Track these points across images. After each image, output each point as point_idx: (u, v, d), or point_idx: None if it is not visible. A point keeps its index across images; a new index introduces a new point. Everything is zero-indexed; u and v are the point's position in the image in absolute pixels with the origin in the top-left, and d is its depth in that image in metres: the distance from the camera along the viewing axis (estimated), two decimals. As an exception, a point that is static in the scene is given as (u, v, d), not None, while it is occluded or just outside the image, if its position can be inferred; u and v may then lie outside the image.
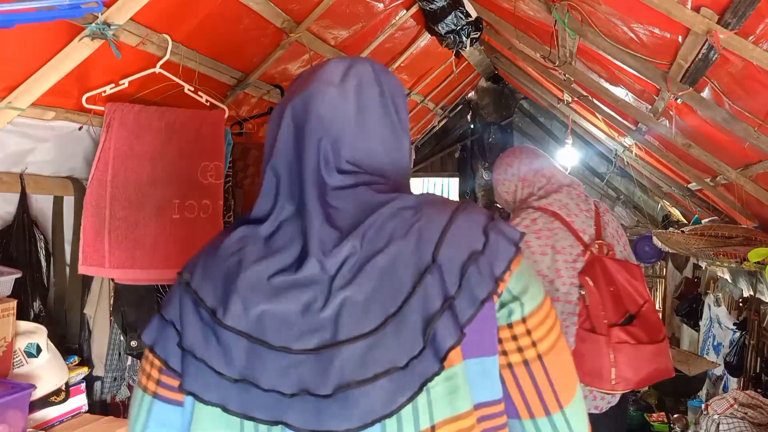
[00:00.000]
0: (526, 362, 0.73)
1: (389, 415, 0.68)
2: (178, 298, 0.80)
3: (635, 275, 2.01)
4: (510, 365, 0.73)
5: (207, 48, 2.28)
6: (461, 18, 2.99)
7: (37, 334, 1.82)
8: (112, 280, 2.16)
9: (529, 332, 0.73)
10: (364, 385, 0.68)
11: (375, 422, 0.68)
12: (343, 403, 0.68)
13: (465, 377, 0.70)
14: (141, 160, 2.08)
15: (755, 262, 2.53)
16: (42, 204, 2.14)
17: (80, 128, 2.11)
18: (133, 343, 2.21)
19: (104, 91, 2.02)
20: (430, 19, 3.10)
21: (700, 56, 1.79)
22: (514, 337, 0.73)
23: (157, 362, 0.80)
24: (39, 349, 1.80)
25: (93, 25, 1.66)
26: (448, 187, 7.94)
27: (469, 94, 5.84)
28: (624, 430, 2.24)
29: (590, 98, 3.44)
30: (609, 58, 2.36)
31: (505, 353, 0.73)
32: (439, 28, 3.05)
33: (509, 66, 4.74)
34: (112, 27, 1.68)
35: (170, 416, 0.79)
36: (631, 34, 2.07)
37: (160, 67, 2.04)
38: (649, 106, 2.70)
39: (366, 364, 0.69)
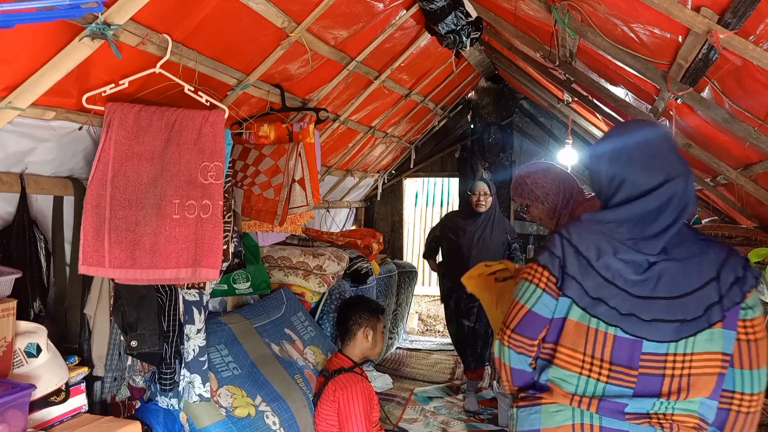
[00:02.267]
0: (748, 341, 1.39)
1: (675, 341, 1.39)
2: (560, 244, 1.48)
3: None
4: (740, 340, 1.39)
5: (207, 48, 2.28)
6: (461, 18, 2.99)
7: (37, 334, 1.82)
8: (112, 280, 2.16)
9: (753, 326, 1.39)
10: (666, 322, 1.38)
11: (666, 342, 1.39)
12: (654, 327, 1.38)
13: (720, 336, 1.37)
14: (141, 160, 2.08)
15: (755, 262, 2.52)
16: (42, 204, 2.14)
17: (80, 128, 2.11)
18: (133, 343, 2.21)
19: (104, 91, 2.02)
20: (430, 19, 3.10)
21: (700, 56, 1.79)
22: (745, 327, 1.39)
23: (547, 274, 1.48)
24: (39, 349, 1.79)
25: (93, 25, 1.66)
26: (449, 187, 7.95)
27: (469, 94, 5.84)
28: None
29: (590, 98, 3.44)
30: (609, 58, 2.36)
31: (739, 333, 1.39)
32: (439, 28, 3.05)
33: (509, 66, 4.74)
34: (112, 27, 1.68)
35: (549, 302, 1.48)
36: (631, 34, 2.07)
37: (160, 67, 2.04)
38: (649, 106, 2.70)
39: (669, 312, 1.38)
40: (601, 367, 1.43)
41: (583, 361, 1.45)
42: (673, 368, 1.40)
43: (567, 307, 1.47)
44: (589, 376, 1.44)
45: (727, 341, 1.38)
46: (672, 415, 1.42)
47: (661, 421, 1.41)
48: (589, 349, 1.44)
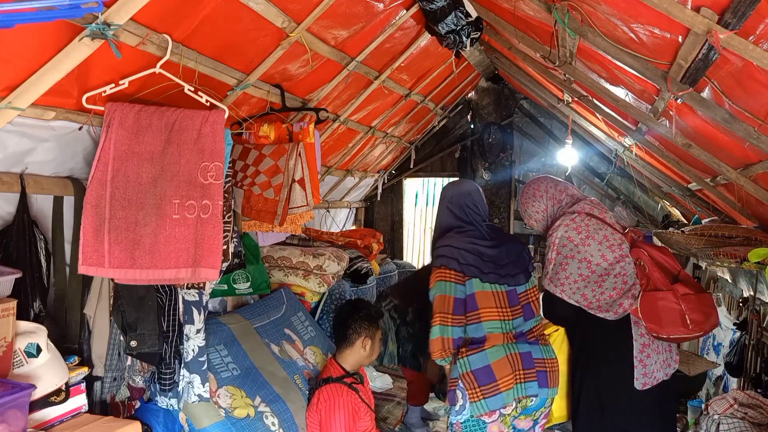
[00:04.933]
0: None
1: (525, 282, 2.61)
2: (450, 251, 2.53)
3: (665, 252, 2.69)
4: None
5: (207, 48, 2.28)
6: (461, 18, 2.99)
7: (37, 334, 1.82)
8: (112, 280, 2.16)
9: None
10: (518, 274, 2.59)
11: (523, 284, 2.59)
12: (515, 278, 2.57)
13: (532, 279, 2.66)
14: (141, 160, 2.08)
15: (755, 262, 2.53)
16: (42, 204, 2.14)
17: (80, 128, 2.11)
18: (133, 343, 2.21)
19: (104, 91, 2.02)
20: (430, 19, 3.09)
21: (700, 56, 1.79)
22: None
23: (453, 272, 2.49)
24: (39, 349, 1.80)
25: (93, 25, 1.66)
26: (448, 187, 7.93)
27: (469, 94, 5.84)
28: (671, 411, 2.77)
29: (590, 98, 3.44)
30: (609, 58, 2.36)
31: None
32: (439, 28, 3.05)
33: (509, 66, 4.73)
34: (112, 27, 1.69)
35: (460, 288, 2.48)
36: (631, 34, 2.07)
37: (160, 67, 2.04)
38: (649, 106, 2.70)
39: (514, 268, 2.59)
40: (506, 310, 2.48)
41: (498, 311, 2.46)
42: (531, 298, 2.56)
43: (472, 284, 2.47)
44: (504, 319, 2.46)
45: (533, 280, 2.62)
46: (535, 327, 2.55)
47: (535, 335, 2.52)
48: (497, 303, 2.47)
